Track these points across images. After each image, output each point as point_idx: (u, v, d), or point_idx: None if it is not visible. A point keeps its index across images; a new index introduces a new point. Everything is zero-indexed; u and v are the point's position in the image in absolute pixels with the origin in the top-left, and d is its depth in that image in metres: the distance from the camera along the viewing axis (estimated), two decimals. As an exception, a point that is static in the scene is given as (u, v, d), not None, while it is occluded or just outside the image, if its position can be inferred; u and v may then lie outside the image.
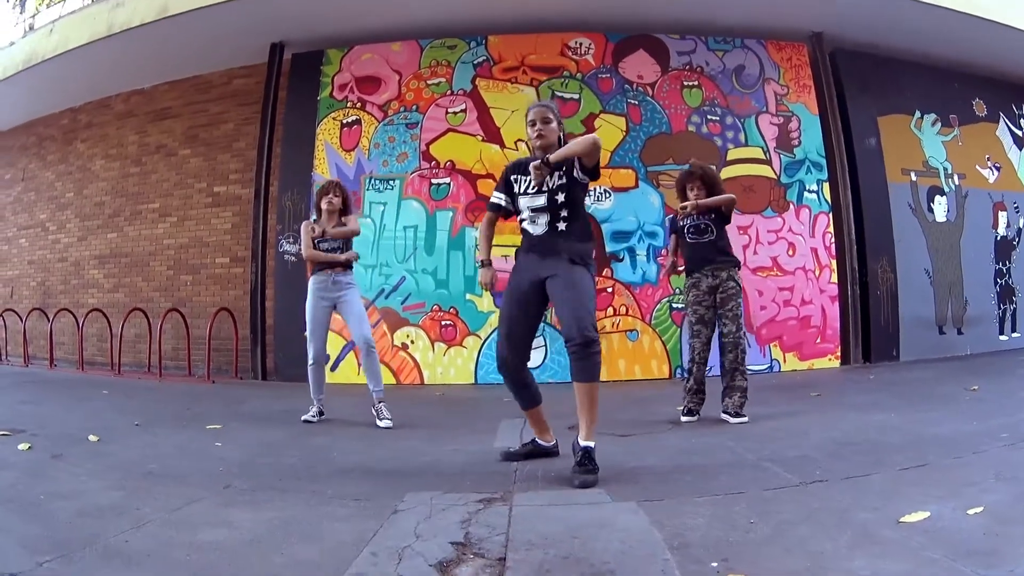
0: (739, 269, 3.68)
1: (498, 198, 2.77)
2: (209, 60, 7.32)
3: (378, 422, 3.76)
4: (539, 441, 2.74)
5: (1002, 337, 6.91)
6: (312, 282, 4.15)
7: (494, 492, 2.13)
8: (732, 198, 3.67)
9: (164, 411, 4.17)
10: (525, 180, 2.62)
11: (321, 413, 4.05)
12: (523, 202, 2.65)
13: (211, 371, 6.49)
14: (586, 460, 2.32)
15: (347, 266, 4.10)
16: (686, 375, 3.72)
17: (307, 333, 4.11)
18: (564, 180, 2.54)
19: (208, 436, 3.24)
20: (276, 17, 6.34)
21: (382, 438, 3.34)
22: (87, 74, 7.63)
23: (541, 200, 2.57)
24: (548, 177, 2.52)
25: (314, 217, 4.26)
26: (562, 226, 2.55)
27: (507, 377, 2.61)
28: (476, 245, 2.63)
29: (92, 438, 3.03)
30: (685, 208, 3.68)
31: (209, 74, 7.63)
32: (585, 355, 2.35)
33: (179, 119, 7.77)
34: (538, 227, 2.60)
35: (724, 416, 3.55)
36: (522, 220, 2.70)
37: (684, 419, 3.59)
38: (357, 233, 4.15)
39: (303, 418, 3.94)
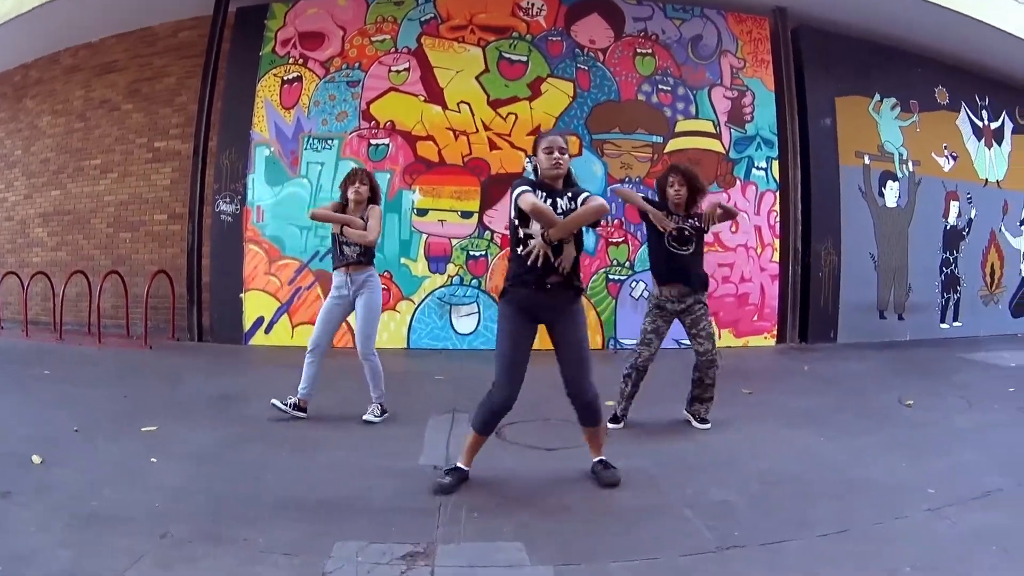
0: (707, 289, 3.25)
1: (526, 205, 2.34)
2: (157, 11, 6.72)
3: (364, 415, 3.36)
4: (462, 467, 2.47)
5: (943, 325, 6.67)
6: (333, 279, 3.45)
7: (417, 543, 2.00)
8: (731, 212, 3.17)
9: (102, 403, 3.71)
10: (566, 203, 2.39)
11: (297, 409, 3.36)
12: (536, 229, 2.39)
13: (149, 332, 6.11)
14: (606, 464, 2.52)
15: (365, 262, 3.40)
16: (625, 378, 3.25)
17: (316, 327, 3.43)
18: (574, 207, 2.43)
19: (144, 447, 2.89)
20: None
21: (316, 447, 2.95)
22: (43, 31, 7.02)
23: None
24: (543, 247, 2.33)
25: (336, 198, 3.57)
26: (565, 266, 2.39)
27: (502, 416, 2.42)
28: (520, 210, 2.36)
29: (36, 459, 2.69)
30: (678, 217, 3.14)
31: (157, 26, 7.00)
32: (595, 408, 2.45)
33: (124, 73, 7.17)
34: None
35: (692, 421, 3.28)
36: (521, 243, 2.40)
37: (611, 426, 3.18)
38: (373, 244, 3.38)
39: (273, 401, 3.34)
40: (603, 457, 2.51)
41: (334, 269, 3.39)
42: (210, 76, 6.26)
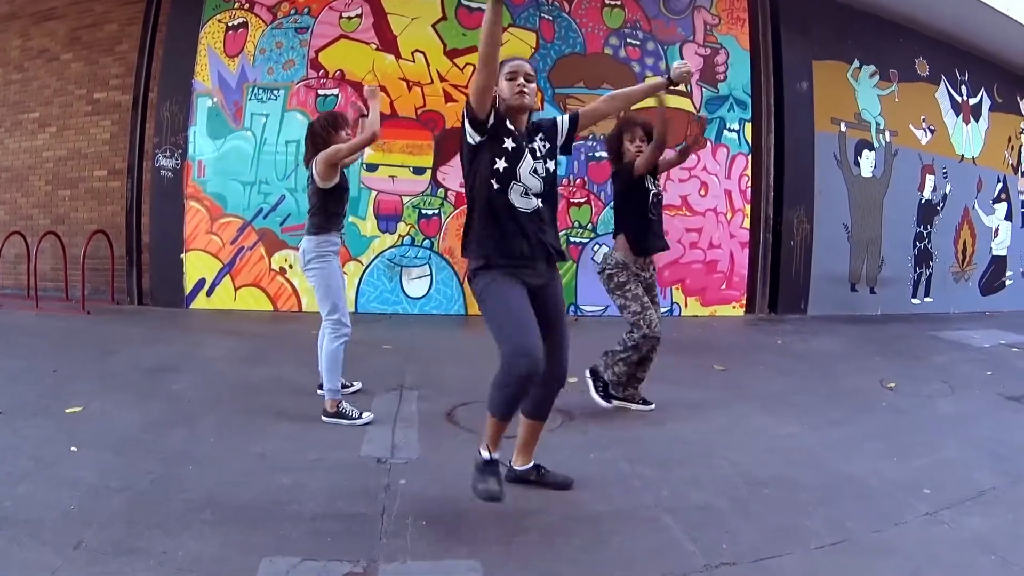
0: None
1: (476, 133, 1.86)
2: None
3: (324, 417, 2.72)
4: (493, 457, 1.87)
5: (914, 300, 6.36)
6: (326, 245, 2.75)
7: (357, 561, 1.66)
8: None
9: (29, 379, 3.25)
10: (541, 146, 1.91)
11: (348, 386, 2.98)
12: (524, 168, 1.87)
13: (88, 295, 5.52)
14: (542, 470, 2.09)
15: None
16: (631, 350, 2.76)
17: (335, 307, 2.73)
18: (550, 147, 1.95)
19: (67, 432, 2.51)
20: None
21: (245, 433, 2.53)
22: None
23: (547, 166, 1.92)
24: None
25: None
26: (546, 211, 1.92)
27: (529, 386, 1.80)
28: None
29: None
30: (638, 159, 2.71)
31: (98, -32, 6.41)
32: (556, 396, 1.99)
33: (63, 20, 6.47)
34: (530, 203, 1.87)
35: (632, 405, 2.83)
36: (501, 185, 1.86)
37: (603, 404, 2.81)
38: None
39: (350, 413, 2.69)
40: (539, 463, 2.06)
41: (333, 231, 2.76)
42: (151, 23, 5.67)
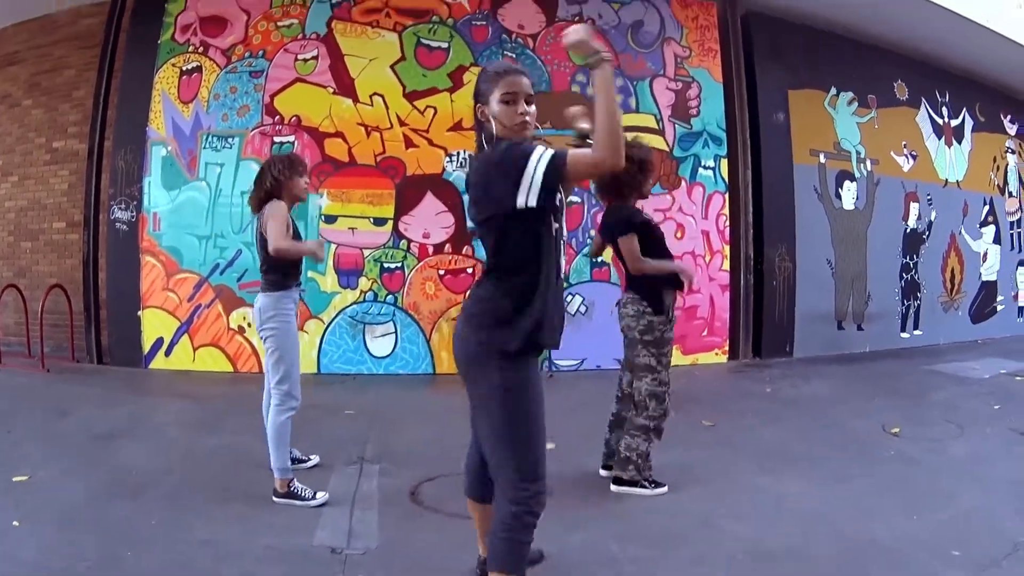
0: None
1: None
2: None
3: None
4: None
5: (903, 335, 5.93)
6: (286, 302, 2.41)
7: None
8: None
9: None
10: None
11: (303, 461, 2.68)
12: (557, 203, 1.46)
13: (49, 352, 5.05)
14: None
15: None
16: (656, 431, 2.39)
17: (287, 374, 2.37)
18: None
19: (12, 503, 2.34)
20: None
21: (192, 512, 2.24)
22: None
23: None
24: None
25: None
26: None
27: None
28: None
29: None
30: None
31: (57, 13, 5.96)
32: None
33: (24, 65, 6.08)
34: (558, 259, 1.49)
35: (643, 490, 2.38)
36: (559, 247, 1.47)
37: (651, 492, 2.40)
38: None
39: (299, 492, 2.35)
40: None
41: (292, 286, 2.44)
42: (106, 68, 5.28)
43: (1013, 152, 7.11)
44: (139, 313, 4.96)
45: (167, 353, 4.86)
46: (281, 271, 2.38)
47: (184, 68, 4.98)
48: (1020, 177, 7.15)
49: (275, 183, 2.41)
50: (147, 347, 4.91)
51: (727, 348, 4.93)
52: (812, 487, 2.44)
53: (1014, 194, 7.06)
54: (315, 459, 2.71)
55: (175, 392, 4.21)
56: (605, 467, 2.52)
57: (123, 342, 4.99)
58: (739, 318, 4.91)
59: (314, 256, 2.57)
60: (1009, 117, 7.06)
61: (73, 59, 5.88)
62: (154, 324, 4.90)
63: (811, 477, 2.55)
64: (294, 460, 2.53)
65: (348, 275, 4.63)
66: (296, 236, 2.52)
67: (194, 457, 2.80)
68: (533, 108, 1.45)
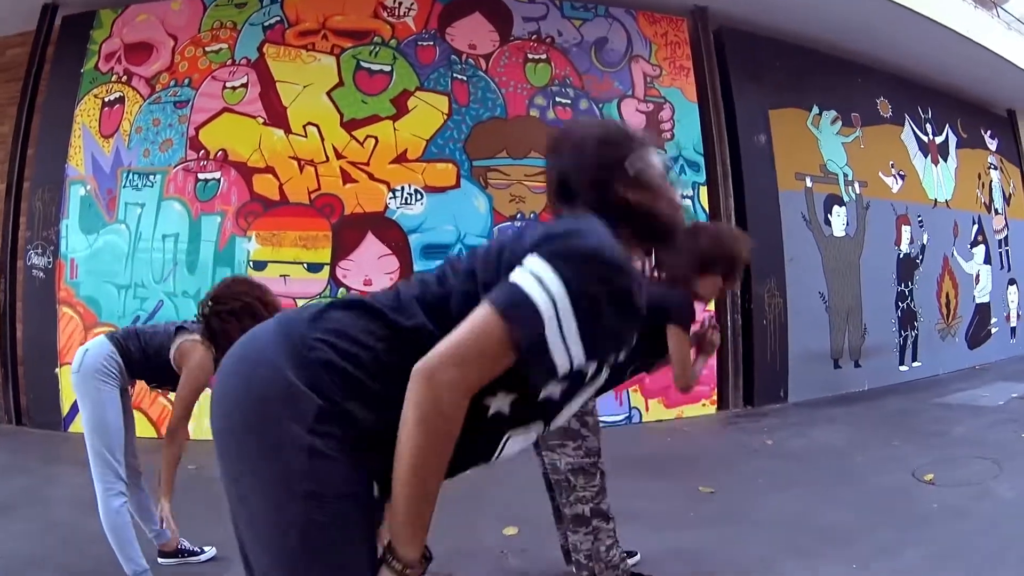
0: None
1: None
2: None
3: None
4: None
5: (902, 368, 5.15)
6: (116, 371, 1.81)
7: None
8: None
9: None
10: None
11: (196, 552, 2.02)
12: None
13: None
14: None
15: None
16: (593, 497, 1.63)
17: (111, 447, 1.79)
18: None
19: None
20: None
21: None
22: None
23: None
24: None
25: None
26: None
27: None
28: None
29: None
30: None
31: (-16, 43, 5.27)
32: None
33: (-53, 97, 5.38)
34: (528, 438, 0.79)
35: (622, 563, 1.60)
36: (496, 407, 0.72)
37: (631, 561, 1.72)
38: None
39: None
40: None
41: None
42: (27, 101, 4.50)
43: (996, 168, 6.47)
44: (56, 371, 4.12)
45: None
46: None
47: (106, 99, 4.20)
48: (1004, 193, 6.51)
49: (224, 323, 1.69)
50: (66, 408, 4.05)
51: (715, 398, 4.12)
52: (856, 569, 1.81)
53: (999, 211, 6.40)
54: (210, 551, 2.02)
55: (86, 461, 3.46)
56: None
57: (41, 402, 4.14)
58: (727, 363, 4.11)
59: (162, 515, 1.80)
60: (989, 132, 6.44)
61: (-3, 93, 5.14)
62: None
63: (852, 554, 1.90)
64: (184, 552, 1.97)
65: None
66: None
67: (76, 542, 2.18)
68: None
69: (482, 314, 0.64)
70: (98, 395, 1.77)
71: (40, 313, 4.19)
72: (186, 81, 4.08)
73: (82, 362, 1.79)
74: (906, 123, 5.45)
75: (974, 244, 5.92)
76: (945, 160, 5.79)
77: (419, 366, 0.63)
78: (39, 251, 4.30)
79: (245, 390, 0.69)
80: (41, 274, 4.25)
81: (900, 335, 5.08)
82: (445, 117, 3.90)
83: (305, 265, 3.77)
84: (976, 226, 5.97)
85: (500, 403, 0.69)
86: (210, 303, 1.75)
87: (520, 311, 0.63)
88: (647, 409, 3.96)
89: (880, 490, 2.53)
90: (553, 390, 0.71)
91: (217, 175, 3.90)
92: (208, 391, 1.70)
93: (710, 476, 2.79)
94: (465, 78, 3.97)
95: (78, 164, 4.18)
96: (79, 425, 4.11)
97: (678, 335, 1.58)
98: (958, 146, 5.94)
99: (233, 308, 1.69)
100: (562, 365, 0.65)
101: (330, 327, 0.70)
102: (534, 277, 0.64)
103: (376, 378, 0.67)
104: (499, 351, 0.63)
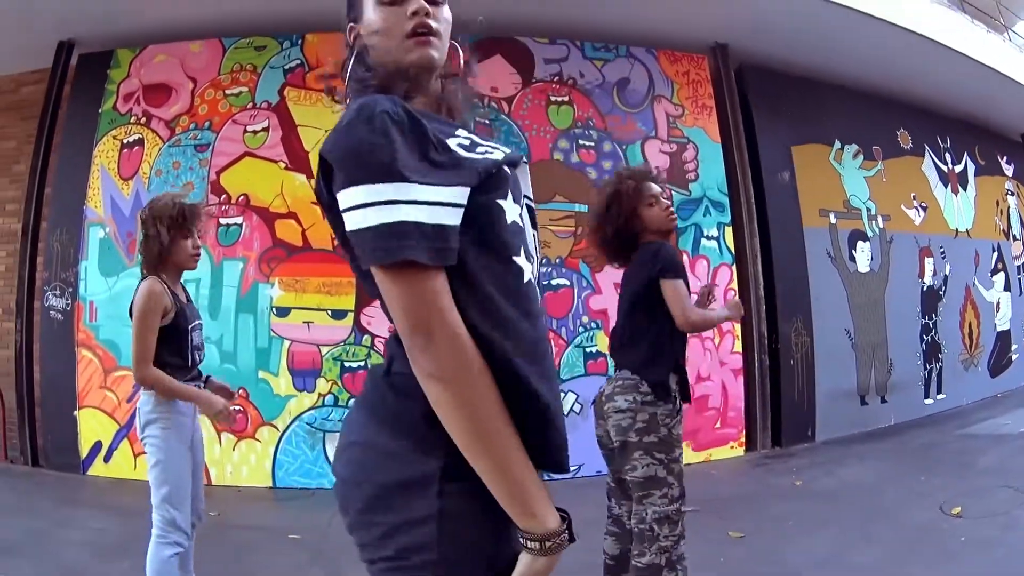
0: None
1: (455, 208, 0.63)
2: None
3: None
4: None
5: (927, 401, 5.10)
6: (169, 412, 1.76)
7: None
8: None
9: None
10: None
11: None
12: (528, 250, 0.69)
13: None
14: None
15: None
16: (672, 546, 1.57)
17: (170, 495, 1.72)
18: None
19: None
20: (61, 8, 4.00)
21: None
22: None
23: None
24: None
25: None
26: None
27: None
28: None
29: None
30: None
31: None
32: None
33: (-37, 133, 5.38)
34: (541, 315, 0.69)
35: None
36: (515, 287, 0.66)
37: None
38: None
39: None
40: None
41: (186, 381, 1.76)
42: (43, 140, 4.50)
43: (1012, 194, 6.45)
44: (75, 413, 4.10)
45: (106, 459, 3.98)
46: (159, 364, 1.70)
47: (125, 141, 4.20)
48: (1021, 219, 6.49)
49: (155, 239, 1.75)
50: (85, 451, 4.03)
51: (743, 439, 4.07)
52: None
53: (1018, 237, 6.38)
54: None
55: (102, 504, 3.45)
56: None
57: (59, 444, 4.12)
58: (755, 404, 4.07)
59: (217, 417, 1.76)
60: (1006, 158, 6.43)
61: (14, 130, 5.05)
62: (92, 426, 4.02)
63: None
64: None
65: (304, 376, 3.75)
66: (180, 320, 1.75)
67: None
68: (447, 12, 0.76)
69: (383, 278, 0.58)
70: (160, 443, 1.72)
71: (58, 355, 4.17)
72: (206, 124, 4.07)
73: (139, 421, 1.77)
74: (926, 153, 5.44)
75: (994, 272, 5.89)
76: (964, 189, 5.77)
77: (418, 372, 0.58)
78: (57, 292, 4.28)
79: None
80: (59, 316, 4.24)
81: (925, 368, 5.04)
82: (469, 161, 3.89)
83: (329, 312, 3.74)
84: (996, 254, 5.94)
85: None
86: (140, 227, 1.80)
87: (391, 246, 0.57)
88: (675, 454, 3.91)
89: (910, 527, 2.56)
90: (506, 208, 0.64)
91: (239, 220, 3.89)
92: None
93: (739, 520, 2.77)
94: (488, 121, 3.96)
95: (97, 206, 4.17)
96: (99, 468, 4.08)
97: (665, 285, 1.66)
98: (976, 174, 5.93)
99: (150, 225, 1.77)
100: (450, 215, 0.59)
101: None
102: (353, 210, 0.59)
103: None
104: (429, 283, 0.57)
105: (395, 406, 0.65)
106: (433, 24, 0.72)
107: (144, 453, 1.76)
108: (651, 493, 1.54)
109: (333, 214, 0.66)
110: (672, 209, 1.78)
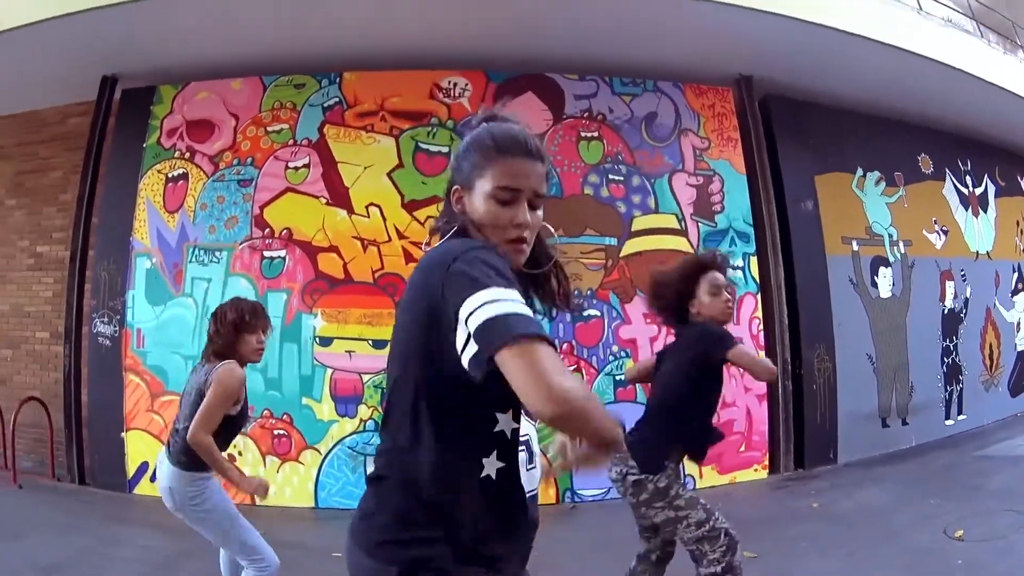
0: None
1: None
2: (43, 93, 5.18)
3: None
4: None
5: (948, 422, 5.23)
6: (200, 482, 1.97)
7: None
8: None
9: None
10: None
11: None
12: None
13: (30, 467, 4.55)
14: None
15: None
16: (723, 556, 1.79)
17: (248, 538, 1.97)
18: None
19: None
20: (106, 42, 4.24)
21: None
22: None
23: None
24: None
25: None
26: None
27: None
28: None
29: None
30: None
31: (45, 110, 5.48)
32: None
33: (9, 162, 5.57)
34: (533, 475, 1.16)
35: None
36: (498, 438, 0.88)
37: None
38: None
39: None
40: None
41: (208, 474, 1.96)
42: (90, 170, 4.75)
43: (1033, 212, 6.54)
44: (123, 435, 4.35)
45: (152, 478, 4.19)
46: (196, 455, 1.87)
47: (170, 175, 4.44)
48: (1041, 237, 6.58)
49: (226, 339, 1.94)
50: (131, 471, 4.28)
51: (767, 462, 4.25)
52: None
53: (1038, 256, 6.48)
54: None
55: (149, 523, 3.59)
56: None
57: (106, 464, 4.37)
58: (778, 428, 4.24)
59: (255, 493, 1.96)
60: (1026, 178, 6.53)
61: (59, 160, 5.35)
62: (139, 447, 4.27)
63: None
64: None
65: (346, 402, 3.98)
66: (243, 410, 2.00)
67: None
68: (540, 214, 0.92)
69: (517, 353, 0.69)
70: (212, 514, 1.92)
71: (105, 378, 4.41)
72: (249, 160, 4.30)
73: (174, 501, 1.93)
74: (947, 178, 5.56)
75: (1015, 292, 6.00)
76: (985, 211, 5.89)
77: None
78: (105, 320, 4.53)
79: None
80: (107, 342, 4.48)
81: (946, 390, 5.17)
82: (504, 197, 4.09)
83: (370, 342, 3.97)
84: (1016, 274, 6.05)
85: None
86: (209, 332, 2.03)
87: (520, 328, 0.70)
88: (701, 476, 4.10)
89: (914, 550, 2.72)
90: None
91: (282, 253, 4.12)
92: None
93: (755, 540, 2.84)
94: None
95: (143, 237, 4.41)
96: (145, 487, 4.33)
97: (732, 354, 1.82)
98: (996, 195, 6.04)
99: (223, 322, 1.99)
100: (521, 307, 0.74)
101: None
102: (478, 308, 0.73)
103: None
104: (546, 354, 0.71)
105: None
106: (528, 235, 0.89)
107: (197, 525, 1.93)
108: (676, 527, 1.79)
109: None
110: (731, 304, 1.94)
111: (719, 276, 1.93)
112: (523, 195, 0.89)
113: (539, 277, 0.98)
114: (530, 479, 1.10)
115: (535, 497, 1.43)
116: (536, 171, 0.91)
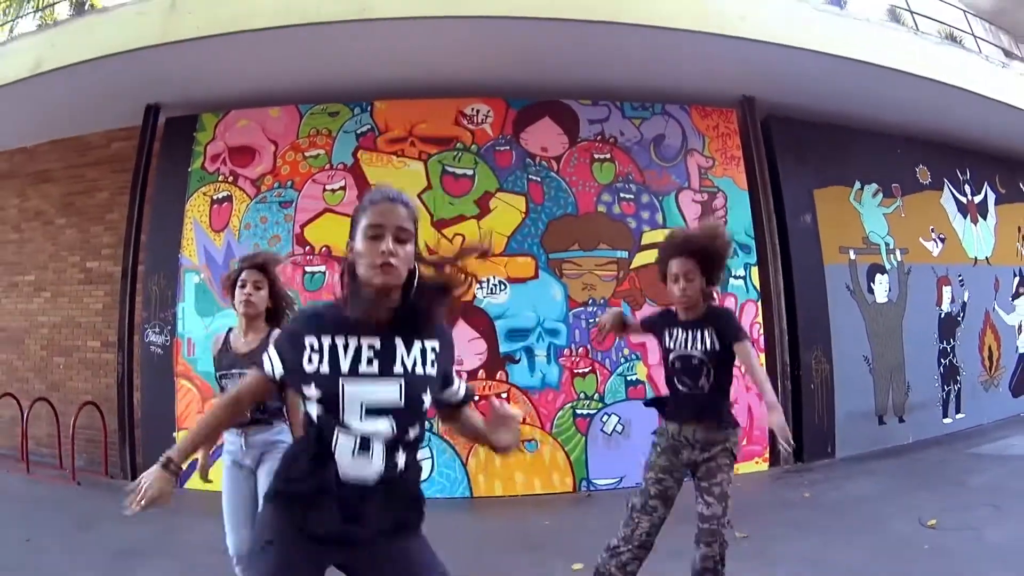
0: (738, 431, 2.22)
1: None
2: (89, 119, 5.80)
3: None
4: None
5: (946, 420, 5.71)
6: (225, 444, 2.32)
7: None
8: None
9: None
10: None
11: None
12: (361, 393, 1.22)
13: (82, 466, 5.12)
14: None
15: (267, 419, 2.22)
16: (612, 554, 2.07)
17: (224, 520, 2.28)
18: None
19: None
20: (149, 76, 4.84)
21: None
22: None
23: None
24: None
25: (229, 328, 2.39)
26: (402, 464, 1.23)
27: None
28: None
29: None
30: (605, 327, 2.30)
31: (90, 135, 6.10)
32: None
33: (57, 184, 6.26)
34: (369, 463, 1.20)
35: None
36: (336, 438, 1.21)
37: None
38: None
39: None
40: None
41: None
42: (138, 193, 5.37)
43: (1034, 218, 6.96)
44: (175, 434, 4.95)
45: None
46: None
47: (215, 197, 5.05)
48: (1044, 241, 6.99)
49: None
50: (183, 467, 4.88)
51: (767, 456, 4.77)
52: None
53: (1041, 259, 6.89)
54: None
55: (204, 512, 4.06)
56: None
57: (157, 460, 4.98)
58: (779, 426, 4.75)
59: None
60: (1028, 183, 6.95)
61: (106, 182, 6.01)
62: (189, 447, 4.88)
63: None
64: None
65: (382, 405, 4.56)
66: (215, 367, 2.38)
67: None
68: (409, 248, 1.19)
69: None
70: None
71: (158, 384, 5.02)
72: (289, 183, 4.90)
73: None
74: (945, 187, 6.03)
75: (1015, 296, 6.45)
76: (984, 218, 6.34)
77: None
78: (156, 330, 5.15)
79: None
80: (159, 350, 5.10)
81: (943, 390, 5.65)
82: (523, 215, 4.67)
83: (404, 350, 4.53)
84: (1017, 279, 6.49)
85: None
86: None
87: None
88: (708, 472, 4.63)
89: (889, 535, 3.07)
90: None
91: (322, 268, 4.71)
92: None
93: (747, 524, 3.21)
94: (539, 179, 4.72)
95: (191, 255, 5.02)
96: (195, 483, 4.97)
97: (747, 348, 2.08)
98: (997, 202, 6.48)
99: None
100: None
101: None
102: None
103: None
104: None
105: None
106: (395, 261, 1.15)
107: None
108: (719, 477, 2.13)
109: None
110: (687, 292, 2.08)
111: (675, 263, 2.07)
112: (387, 230, 1.18)
113: (427, 300, 1.24)
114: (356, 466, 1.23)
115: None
116: (397, 211, 1.20)
